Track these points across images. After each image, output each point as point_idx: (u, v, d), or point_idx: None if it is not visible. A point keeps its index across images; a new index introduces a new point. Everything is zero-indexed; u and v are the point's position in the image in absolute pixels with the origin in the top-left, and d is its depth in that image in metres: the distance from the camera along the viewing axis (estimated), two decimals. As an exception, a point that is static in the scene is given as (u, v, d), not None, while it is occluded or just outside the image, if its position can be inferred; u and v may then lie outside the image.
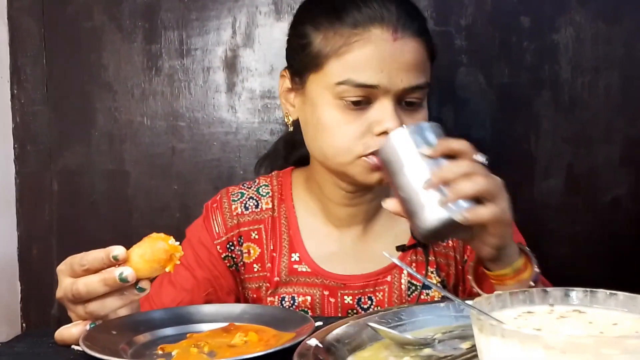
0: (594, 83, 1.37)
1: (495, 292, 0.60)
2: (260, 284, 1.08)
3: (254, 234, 1.09)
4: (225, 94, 1.41)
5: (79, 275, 0.79)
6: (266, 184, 1.12)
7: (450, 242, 1.07)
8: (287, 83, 1.04)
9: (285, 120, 1.07)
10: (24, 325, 1.44)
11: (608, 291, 0.60)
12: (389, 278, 1.06)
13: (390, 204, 0.86)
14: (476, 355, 0.56)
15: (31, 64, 1.40)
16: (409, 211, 0.82)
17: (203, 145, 1.41)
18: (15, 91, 1.41)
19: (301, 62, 1.00)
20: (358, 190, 1.04)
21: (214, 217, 1.10)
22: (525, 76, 1.38)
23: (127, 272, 0.77)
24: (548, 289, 0.62)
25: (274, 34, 1.40)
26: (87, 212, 1.42)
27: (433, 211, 0.80)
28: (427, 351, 0.69)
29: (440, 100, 1.37)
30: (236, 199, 1.11)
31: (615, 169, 1.38)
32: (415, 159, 0.82)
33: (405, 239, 1.06)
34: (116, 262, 0.78)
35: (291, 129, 1.07)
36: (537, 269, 0.90)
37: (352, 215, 1.08)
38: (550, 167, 1.39)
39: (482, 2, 1.36)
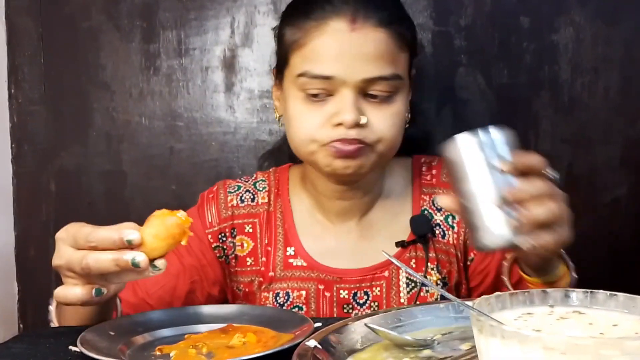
0: (594, 83, 1.37)
1: (495, 293, 0.60)
2: (253, 278, 1.08)
3: (248, 227, 1.09)
4: (223, 94, 1.41)
5: (83, 248, 0.77)
6: (263, 179, 1.13)
7: (450, 239, 1.07)
8: (274, 81, 1.08)
9: (275, 117, 1.10)
10: (21, 325, 1.44)
11: (608, 292, 0.60)
12: (386, 273, 1.05)
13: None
14: (476, 357, 0.55)
15: (28, 64, 1.40)
16: (469, 221, 0.78)
17: (201, 146, 1.41)
18: (12, 91, 1.40)
19: (277, 58, 1.05)
20: (348, 184, 1.05)
21: (208, 207, 1.10)
22: (524, 76, 1.38)
23: (140, 258, 0.75)
24: (548, 290, 0.61)
25: (272, 34, 1.39)
26: (84, 213, 1.41)
27: (499, 232, 0.75)
28: (426, 352, 0.68)
29: (439, 101, 1.37)
30: (232, 191, 1.12)
31: (615, 169, 1.38)
32: (484, 170, 0.76)
33: (403, 234, 1.07)
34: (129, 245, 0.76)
35: (280, 125, 1.09)
36: (574, 275, 0.89)
37: (347, 210, 1.08)
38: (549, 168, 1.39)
39: (481, 3, 1.36)
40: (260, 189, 1.12)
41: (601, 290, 0.60)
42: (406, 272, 1.05)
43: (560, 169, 1.39)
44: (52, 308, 0.94)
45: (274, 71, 1.08)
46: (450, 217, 1.08)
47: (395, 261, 0.72)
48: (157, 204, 1.28)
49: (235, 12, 1.39)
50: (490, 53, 1.36)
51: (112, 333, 0.80)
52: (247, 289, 1.09)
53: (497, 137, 0.77)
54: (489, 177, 0.75)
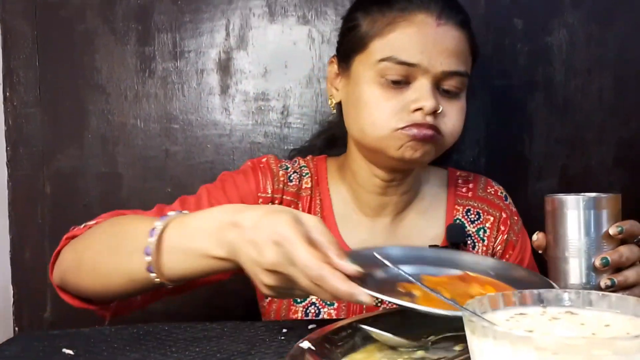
0: (587, 85, 1.38)
1: (488, 294, 0.60)
2: None
3: (292, 207, 1.08)
4: (218, 96, 1.41)
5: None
6: (305, 165, 1.15)
7: (479, 251, 1.12)
8: (335, 69, 1.09)
9: (329, 103, 1.12)
10: (16, 328, 1.44)
11: (600, 293, 0.60)
12: None
13: (539, 240, 0.89)
14: (469, 357, 0.56)
15: (24, 67, 1.40)
16: (556, 267, 0.87)
17: (196, 148, 1.41)
18: (7, 94, 1.40)
19: (348, 44, 1.05)
20: (392, 180, 1.07)
21: (262, 173, 1.11)
22: (518, 78, 1.38)
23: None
24: (541, 290, 0.62)
25: (267, 37, 1.40)
26: (80, 215, 1.40)
27: (575, 282, 0.85)
28: (419, 353, 0.69)
29: (434, 102, 1.38)
30: (282, 167, 1.13)
31: (608, 170, 1.39)
32: (588, 233, 0.85)
33: (434, 239, 1.10)
34: None
35: (334, 111, 1.12)
36: None
37: (383, 205, 1.10)
38: (544, 169, 1.40)
39: (475, 5, 1.36)
40: (304, 174, 1.13)
41: (593, 291, 0.61)
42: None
43: (555, 169, 1.39)
44: (149, 258, 0.82)
45: (333, 59, 1.10)
46: (482, 231, 1.13)
47: (388, 262, 0.72)
48: (152, 206, 1.30)
49: (230, 15, 1.40)
50: (485, 55, 1.36)
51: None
52: None
53: (604, 204, 0.85)
54: (590, 239, 0.85)
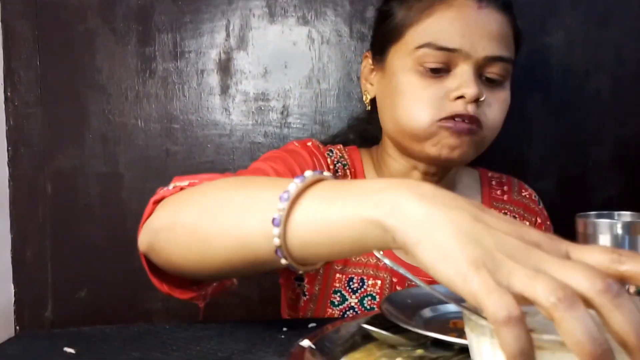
0: (585, 86, 1.39)
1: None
2: None
3: None
4: (219, 97, 1.41)
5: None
6: (341, 155, 1.08)
7: None
8: (369, 63, 1.05)
9: (364, 99, 1.07)
10: (17, 327, 1.44)
11: (598, 292, 0.60)
12: None
13: None
14: (468, 356, 0.56)
15: (25, 67, 1.40)
16: None
17: (197, 148, 1.42)
18: (8, 94, 1.41)
19: (383, 35, 1.01)
20: (434, 173, 1.02)
21: (311, 153, 1.03)
22: (516, 79, 1.38)
23: None
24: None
25: (267, 37, 1.41)
26: (81, 215, 1.42)
27: None
28: (419, 352, 0.69)
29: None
30: (329, 156, 1.07)
31: (606, 170, 1.40)
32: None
33: None
34: None
35: (368, 107, 1.07)
36: None
37: None
38: (541, 169, 1.40)
39: (474, 5, 1.37)
40: (344, 164, 1.06)
41: (591, 290, 0.61)
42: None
43: (552, 169, 1.40)
44: (277, 240, 0.60)
45: (367, 53, 1.06)
46: None
47: (387, 261, 0.72)
48: (153, 206, 1.29)
49: (231, 16, 1.40)
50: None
51: (409, 301, 0.80)
52: None
53: (636, 228, 0.80)
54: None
